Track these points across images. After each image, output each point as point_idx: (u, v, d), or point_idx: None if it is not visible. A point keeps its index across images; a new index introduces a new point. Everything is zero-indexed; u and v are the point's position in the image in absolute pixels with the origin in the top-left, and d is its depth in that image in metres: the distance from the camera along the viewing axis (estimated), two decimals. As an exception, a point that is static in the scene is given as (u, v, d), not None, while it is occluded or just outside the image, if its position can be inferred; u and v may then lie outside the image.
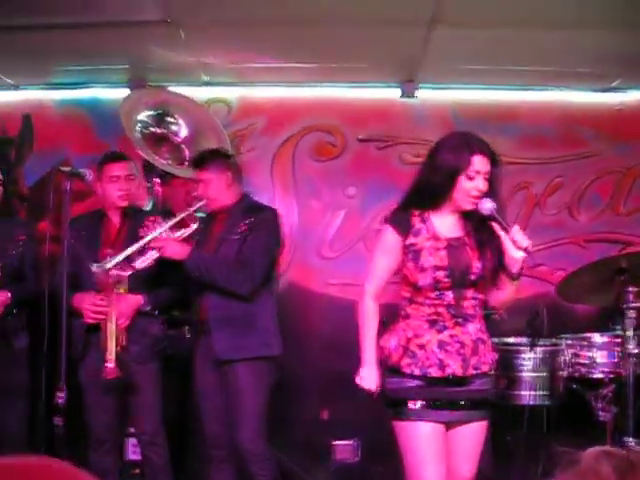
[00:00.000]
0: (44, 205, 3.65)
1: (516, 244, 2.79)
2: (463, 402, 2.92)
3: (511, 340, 4.14)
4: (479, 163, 2.86)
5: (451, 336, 2.90)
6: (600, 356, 4.19)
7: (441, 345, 2.89)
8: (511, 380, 4.07)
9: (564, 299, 4.41)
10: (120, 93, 5.07)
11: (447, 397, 2.91)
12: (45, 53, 4.59)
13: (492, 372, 3.04)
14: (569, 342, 4.25)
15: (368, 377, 3.01)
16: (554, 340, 4.23)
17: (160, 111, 4.66)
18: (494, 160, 2.91)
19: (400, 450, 2.96)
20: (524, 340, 4.13)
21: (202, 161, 3.92)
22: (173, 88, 5.11)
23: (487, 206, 2.84)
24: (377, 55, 4.74)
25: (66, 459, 3.34)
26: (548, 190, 5.30)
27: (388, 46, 4.55)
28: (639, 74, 4.96)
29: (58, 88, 5.24)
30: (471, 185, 2.86)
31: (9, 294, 3.84)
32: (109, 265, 3.65)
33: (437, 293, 2.90)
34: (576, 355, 4.23)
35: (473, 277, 2.90)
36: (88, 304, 3.75)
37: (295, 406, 4.91)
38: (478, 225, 2.92)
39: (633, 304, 4.05)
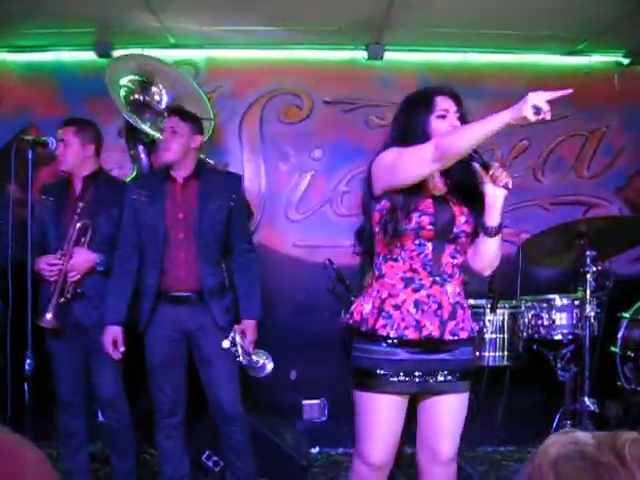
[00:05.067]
0: (8, 172, 3.63)
1: (496, 181, 2.65)
2: (441, 372, 2.76)
3: (471, 302, 4.18)
4: (443, 102, 2.78)
5: (428, 296, 2.72)
6: (560, 318, 4.28)
7: (417, 305, 2.72)
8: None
9: (525, 261, 4.47)
10: (85, 56, 5.03)
11: (423, 366, 2.75)
12: (8, 16, 4.52)
13: (472, 341, 2.86)
14: (529, 304, 4.33)
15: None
16: (514, 302, 4.29)
17: (144, 78, 4.65)
18: (458, 100, 2.82)
19: (356, 417, 2.86)
20: (484, 302, 4.18)
21: (180, 113, 3.90)
22: (140, 50, 5.07)
23: None
24: (344, 17, 4.72)
25: (34, 423, 3.45)
26: (513, 153, 5.34)
27: (354, 8, 4.53)
28: (605, 37, 4.97)
29: (22, 51, 5.17)
30: (445, 124, 2.74)
31: None
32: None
33: (417, 243, 2.73)
34: (536, 317, 4.31)
35: (456, 230, 2.75)
36: (43, 263, 3.81)
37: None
38: (460, 180, 2.80)
39: (591, 268, 4.13)
